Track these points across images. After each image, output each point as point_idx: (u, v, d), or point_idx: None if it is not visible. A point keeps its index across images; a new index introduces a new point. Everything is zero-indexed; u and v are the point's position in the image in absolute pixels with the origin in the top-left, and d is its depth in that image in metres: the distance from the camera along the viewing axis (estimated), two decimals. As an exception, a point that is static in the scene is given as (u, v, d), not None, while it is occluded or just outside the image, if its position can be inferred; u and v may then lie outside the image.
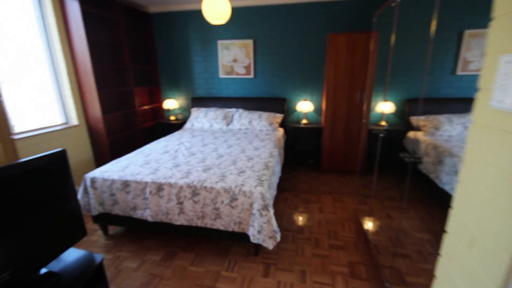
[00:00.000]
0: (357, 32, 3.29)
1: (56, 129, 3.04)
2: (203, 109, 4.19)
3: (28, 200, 1.26)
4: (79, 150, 3.32)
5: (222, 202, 1.98)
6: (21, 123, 2.71)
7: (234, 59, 4.19)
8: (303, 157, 4.12)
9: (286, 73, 4.10)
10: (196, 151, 2.89)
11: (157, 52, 4.46)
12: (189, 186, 2.03)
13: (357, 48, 3.31)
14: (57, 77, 3.11)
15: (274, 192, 2.44)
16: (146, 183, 2.12)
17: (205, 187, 2.00)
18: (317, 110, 4.16)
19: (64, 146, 3.13)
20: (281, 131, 3.85)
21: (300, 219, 2.69)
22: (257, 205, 1.91)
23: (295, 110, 4.21)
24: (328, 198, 3.11)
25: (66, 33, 3.06)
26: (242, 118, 3.91)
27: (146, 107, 4.41)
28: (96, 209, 2.24)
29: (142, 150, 2.90)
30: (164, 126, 4.43)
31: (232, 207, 1.96)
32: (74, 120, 3.27)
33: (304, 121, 4.05)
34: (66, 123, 3.25)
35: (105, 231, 2.45)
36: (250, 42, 4.05)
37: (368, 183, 3.36)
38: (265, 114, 3.92)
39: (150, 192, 2.09)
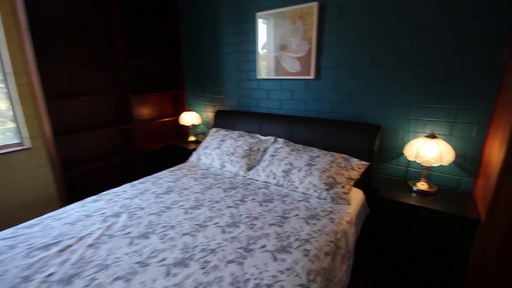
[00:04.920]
0: None
1: (4, 151, 2.07)
2: (222, 132, 2.48)
3: None
4: (35, 182, 2.29)
5: None
6: None
7: (282, 44, 2.25)
8: (411, 265, 1.77)
9: (387, 71, 1.84)
10: (147, 243, 1.22)
11: (181, 42, 3.06)
12: None
13: None
14: (5, 78, 2.11)
15: None
16: None
17: None
18: (465, 159, 1.70)
19: (13, 176, 2.15)
20: (356, 203, 1.68)
21: None
22: None
23: (400, 154, 1.89)
24: None
25: (12, 8, 2.00)
26: (275, 163, 1.96)
27: (166, 119, 3.11)
28: None
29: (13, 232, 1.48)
30: (171, 152, 2.99)
31: None
32: (27, 141, 2.23)
33: (422, 185, 1.70)
34: (20, 144, 2.26)
35: None
36: (313, 6, 2.01)
37: None
38: (325, 158, 1.83)
39: None
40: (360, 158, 1.88)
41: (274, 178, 1.89)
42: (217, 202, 1.65)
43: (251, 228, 1.37)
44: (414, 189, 1.70)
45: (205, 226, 1.39)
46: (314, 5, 1.98)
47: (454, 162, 1.69)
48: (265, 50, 2.37)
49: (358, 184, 1.83)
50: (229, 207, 1.59)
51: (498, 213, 1.27)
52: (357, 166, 1.83)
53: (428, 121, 1.77)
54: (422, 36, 1.67)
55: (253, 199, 1.69)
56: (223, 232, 1.33)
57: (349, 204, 1.64)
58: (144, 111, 3.06)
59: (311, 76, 2.15)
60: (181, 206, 1.61)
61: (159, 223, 1.42)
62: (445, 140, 1.71)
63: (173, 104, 3.36)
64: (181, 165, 2.36)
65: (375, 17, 1.81)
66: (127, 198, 1.71)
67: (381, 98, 1.91)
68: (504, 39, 1.45)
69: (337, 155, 1.87)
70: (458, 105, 1.65)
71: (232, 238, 1.28)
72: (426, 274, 1.68)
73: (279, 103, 2.44)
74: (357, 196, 1.76)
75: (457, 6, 1.54)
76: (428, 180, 1.74)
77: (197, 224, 1.40)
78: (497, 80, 1.51)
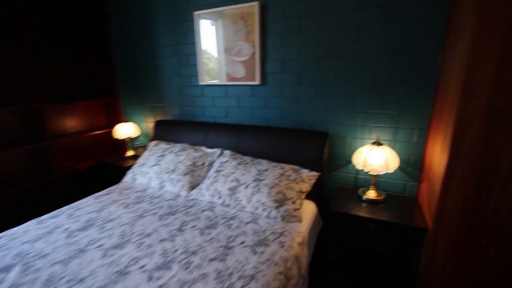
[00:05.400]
0: None
1: None
2: (162, 146, 2.18)
3: None
4: None
5: None
6: None
7: (225, 47, 2.06)
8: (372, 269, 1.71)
9: (332, 76, 1.77)
10: None
11: (112, 42, 2.66)
12: None
13: None
14: None
15: None
16: None
17: None
18: (409, 164, 1.70)
19: None
20: (308, 218, 1.55)
21: None
22: None
23: (349, 162, 1.84)
24: None
25: None
26: (221, 180, 1.74)
27: (98, 132, 2.66)
28: None
29: None
30: (104, 171, 2.57)
31: None
32: None
33: (371, 193, 1.65)
34: None
35: None
36: (254, 6, 1.86)
37: None
38: (274, 171, 1.67)
39: None
40: (310, 167, 1.77)
41: (220, 197, 1.68)
42: (148, 235, 1.37)
43: (186, 269, 1.12)
44: (364, 198, 1.64)
45: (127, 273, 1.10)
46: (255, 5, 1.83)
47: (399, 167, 1.69)
48: (207, 53, 2.15)
49: (309, 195, 1.71)
50: (163, 240, 1.32)
51: (445, 221, 1.24)
52: (308, 177, 1.72)
53: (373, 127, 1.73)
54: (363, 40, 1.63)
55: (194, 226, 1.44)
56: (150, 279, 1.07)
57: (300, 221, 1.50)
58: (68, 124, 2.58)
59: (257, 82, 1.99)
60: (100, 246, 1.29)
61: (63, 276, 1.09)
62: (389, 145, 1.69)
63: (107, 114, 2.92)
64: (112, 187, 1.99)
65: (317, 19, 1.72)
66: (26, 242, 1.32)
67: (328, 104, 1.83)
68: (438, 44, 1.47)
69: (287, 166, 1.74)
70: (400, 111, 1.64)
71: (160, 287, 1.02)
72: (382, 282, 1.63)
73: (225, 111, 2.24)
74: (309, 210, 1.64)
75: (394, 10, 1.52)
76: (377, 187, 1.71)
77: (117, 272, 1.11)
78: (434, 85, 1.53)
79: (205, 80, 2.21)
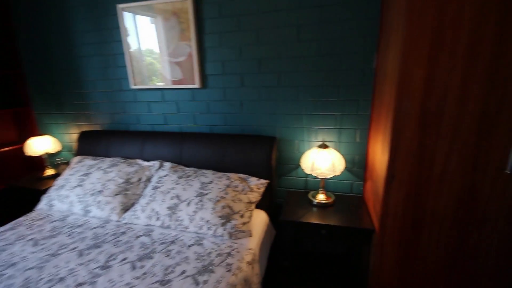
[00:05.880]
0: None
1: None
2: (87, 162, 1.85)
3: None
4: None
5: None
6: None
7: (159, 46, 1.83)
8: (322, 274, 1.68)
9: (276, 78, 1.70)
10: None
11: (19, 39, 2.18)
12: None
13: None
14: None
15: None
16: None
17: None
18: (354, 164, 1.72)
19: None
20: (259, 231, 1.44)
21: None
22: None
23: (298, 165, 1.79)
24: None
25: None
26: (159, 198, 1.52)
27: (6, 149, 2.14)
28: None
29: None
30: (14, 197, 2.09)
31: None
32: None
33: (321, 197, 1.62)
34: None
35: None
36: (186, 1, 1.67)
37: None
38: (220, 183, 1.52)
39: None
40: (259, 175, 1.67)
41: (158, 218, 1.46)
42: (61, 280, 1.09)
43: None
44: (314, 203, 1.60)
45: None
46: (187, 0, 1.65)
47: (345, 168, 1.70)
48: (138, 53, 1.88)
49: (260, 205, 1.61)
50: (80, 285, 1.06)
51: (389, 221, 1.25)
52: (257, 186, 1.61)
53: (319, 129, 1.71)
54: (303, 41, 1.59)
55: (124, 259, 1.21)
56: None
57: (250, 235, 1.38)
58: (-43, 142, 2.03)
59: (197, 85, 1.81)
60: (-14, 307, 0.97)
61: None
62: (335, 146, 1.69)
63: (17, 127, 2.41)
64: (21, 219, 1.60)
65: (255, 18, 1.62)
66: None
67: (273, 107, 1.75)
68: (373, 46, 1.50)
69: (233, 176, 1.60)
70: (342, 112, 1.64)
71: None
72: (337, 284, 1.61)
73: (164, 118, 2.00)
74: (260, 220, 1.53)
75: (331, 11, 1.51)
76: (326, 189, 1.69)
77: None
78: (371, 87, 1.56)
79: (138, 83, 1.94)
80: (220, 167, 1.72)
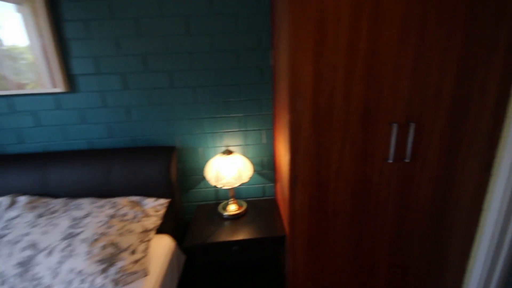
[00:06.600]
0: None
1: None
2: None
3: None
4: None
5: None
6: None
7: (-10, 37, 1.30)
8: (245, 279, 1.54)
9: (167, 77, 1.44)
10: None
11: None
12: None
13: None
14: None
15: None
16: None
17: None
18: (263, 166, 1.64)
19: None
20: (159, 265, 1.17)
21: None
22: None
23: (202, 179, 1.59)
24: None
25: None
26: (4, 252, 1.06)
27: None
28: None
29: None
30: None
31: None
32: None
33: (232, 208, 1.47)
34: None
35: None
36: (26, -23, 1.22)
37: None
38: (100, 214, 1.17)
39: None
40: (157, 193, 1.39)
41: (3, 282, 1.01)
42: None
43: None
44: (225, 216, 1.44)
45: None
46: (28, -26, 1.21)
47: (254, 172, 1.60)
48: (-46, 45, 1.30)
49: (162, 228, 1.34)
50: None
51: (298, 225, 1.19)
52: (154, 209, 1.33)
53: (224, 133, 1.55)
54: (194, 34, 1.39)
55: None
56: None
57: (146, 274, 1.10)
58: None
59: (60, 89, 1.38)
60: None
61: None
62: (241, 150, 1.57)
63: None
64: None
65: (133, 5, 1.32)
66: None
67: (168, 112, 1.49)
68: (268, 42, 1.42)
69: (122, 202, 1.28)
70: (246, 112, 1.53)
71: None
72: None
73: (16, 134, 1.47)
74: (161, 250, 1.26)
75: (221, 1, 1.35)
76: (238, 197, 1.56)
77: None
78: (271, 85, 1.49)
79: (-36, 89, 1.35)
80: (104, 191, 1.36)
